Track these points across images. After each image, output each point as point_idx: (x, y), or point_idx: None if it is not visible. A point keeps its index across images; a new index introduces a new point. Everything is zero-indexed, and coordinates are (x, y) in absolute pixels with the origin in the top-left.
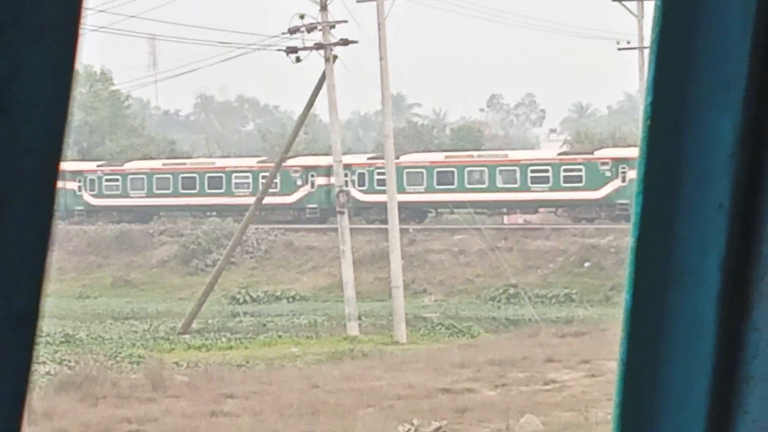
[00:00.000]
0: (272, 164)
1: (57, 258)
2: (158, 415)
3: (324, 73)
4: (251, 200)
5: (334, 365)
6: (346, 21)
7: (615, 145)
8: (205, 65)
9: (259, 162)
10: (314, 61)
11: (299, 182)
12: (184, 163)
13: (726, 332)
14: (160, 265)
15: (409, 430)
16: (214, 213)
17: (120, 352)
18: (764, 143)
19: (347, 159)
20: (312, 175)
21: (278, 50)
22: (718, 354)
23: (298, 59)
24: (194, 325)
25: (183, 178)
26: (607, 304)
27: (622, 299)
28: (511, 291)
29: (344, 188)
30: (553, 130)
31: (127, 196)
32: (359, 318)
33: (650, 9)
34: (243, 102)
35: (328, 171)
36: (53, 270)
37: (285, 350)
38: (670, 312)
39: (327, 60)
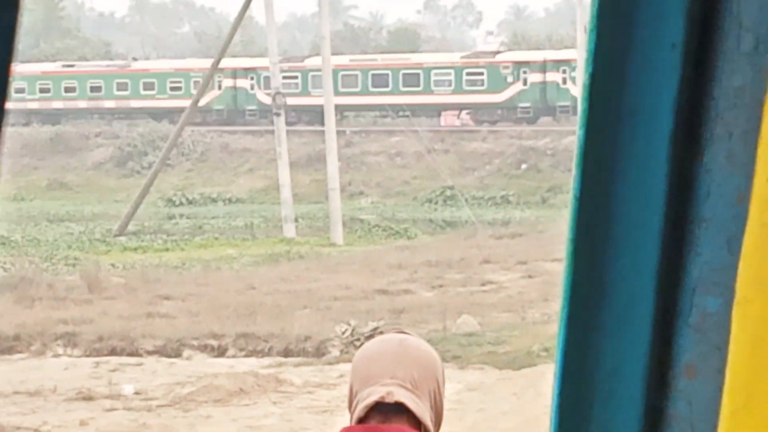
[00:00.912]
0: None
1: None
2: (94, 316)
3: None
4: (186, 103)
5: (271, 267)
6: None
7: (552, 48)
8: None
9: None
10: None
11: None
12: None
13: (678, 173)
14: (96, 167)
15: (346, 330)
16: (147, 116)
17: (56, 254)
18: None
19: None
20: (251, 77)
21: None
22: (670, 194)
23: None
24: (130, 227)
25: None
26: (544, 206)
27: (558, 201)
28: (448, 193)
29: (280, 90)
30: (490, 32)
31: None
32: (296, 220)
33: None
34: (178, 3)
35: (234, 73)
36: None
37: (221, 252)
38: (623, 151)
39: None
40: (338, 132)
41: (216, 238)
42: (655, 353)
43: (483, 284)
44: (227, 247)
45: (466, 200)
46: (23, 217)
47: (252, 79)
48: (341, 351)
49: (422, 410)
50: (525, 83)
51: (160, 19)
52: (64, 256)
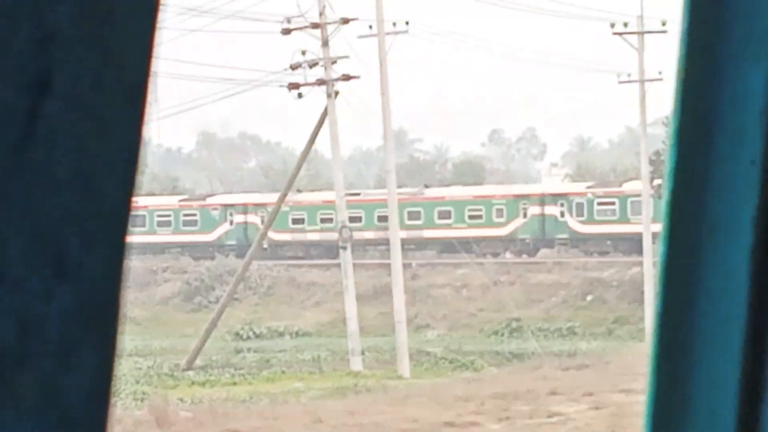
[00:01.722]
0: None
1: None
2: None
3: (326, 109)
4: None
5: (338, 400)
6: (347, 56)
7: (616, 179)
8: (207, 102)
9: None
10: (316, 97)
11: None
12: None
13: (759, 288)
14: (164, 301)
15: None
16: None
17: (124, 389)
18: None
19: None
20: (230, 213)
21: (280, 86)
22: (752, 309)
23: (300, 95)
24: (198, 362)
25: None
26: (610, 338)
27: (624, 333)
28: (514, 325)
29: (347, 224)
30: (554, 164)
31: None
32: (362, 353)
33: (650, 42)
34: (245, 139)
35: (245, 209)
36: None
37: (289, 385)
38: (704, 266)
39: (329, 96)
40: (404, 265)
41: (283, 372)
42: None
43: (550, 416)
44: (294, 381)
45: (532, 332)
46: (111, 418)
47: (262, 215)
48: None
49: None
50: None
51: (226, 155)
52: (132, 390)
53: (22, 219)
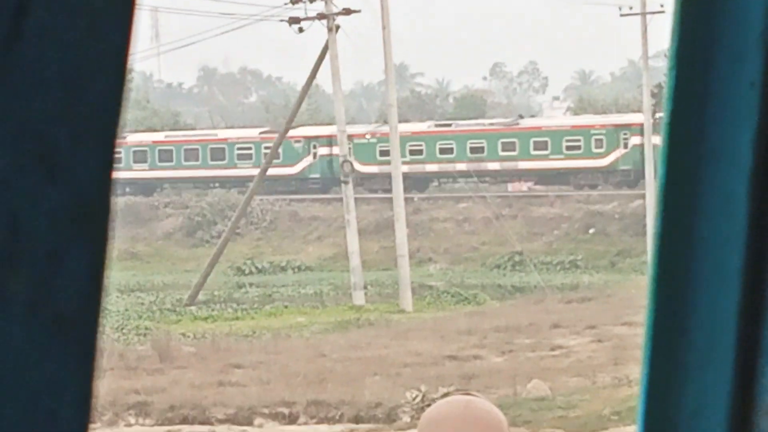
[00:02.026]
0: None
1: None
2: (166, 385)
3: (327, 43)
4: (254, 172)
5: (341, 334)
6: None
7: (618, 112)
8: (208, 37)
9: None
10: (317, 32)
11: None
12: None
13: (758, 211)
14: (166, 237)
15: (417, 396)
16: (217, 185)
17: (126, 324)
18: None
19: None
20: (314, 146)
21: (281, 21)
22: (751, 233)
23: (300, 29)
24: (200, 297)
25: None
26: (612, 270)
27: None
28: (516, 258)
29: (348, 158)
30: (556, 98)
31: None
32: (365, 287)
33: None
34: (246, 74)
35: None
36: None
37: (291, 320)
38: (703, 189)
39: (330, 30)
40: (406, 199)
41: (286, 307)
42: (737, 394)
43: (552, 349)
44: (297, 315)
45: (534, 265)
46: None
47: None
48: (412, 417)
49: None
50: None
51: (227, 90)
52: (135, 326)
53: (9, 118)
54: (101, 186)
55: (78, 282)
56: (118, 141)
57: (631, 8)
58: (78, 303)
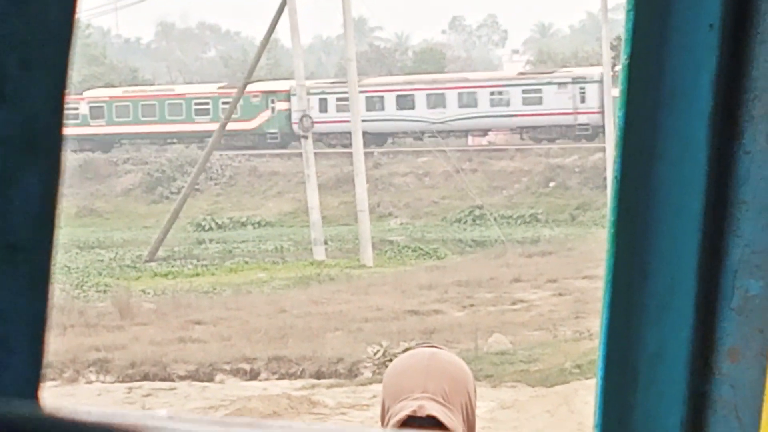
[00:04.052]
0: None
1: None
2: (126, 342)
3: None
4: (213, 127)
5: (302, 290)
6: None
7: (578, 65)
8: None
9: (219, 88)
10: None
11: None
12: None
13: (717, 154)
14: (125, 193)
15: (378, 351)
16: (175, 140)
17: (86, 281)
18: None
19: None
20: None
21: None
22: (711, 176)
23: None
24: (160, 253)
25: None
26: (573, 224)
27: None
28: (477, 212)
29: (308, 113)
30: (515, 51)
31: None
32: (325, 242)
33: None
34: (204, 28)
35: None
36: None
37: (252, 276)
38: (662, 132)
39: None
40: (366, 153)
41: (246, 262)
42: (697, 337)
43: (514, 303)
44: (257, 271)
45: (494, 219)
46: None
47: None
48: (373, 372)
49: (454, 424)
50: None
51: (186, 45)
52: (94, 282)
53: None
54: (52, 112)
55: (31, 207)
56: (69, 67)
57: None
58: (32, 228)
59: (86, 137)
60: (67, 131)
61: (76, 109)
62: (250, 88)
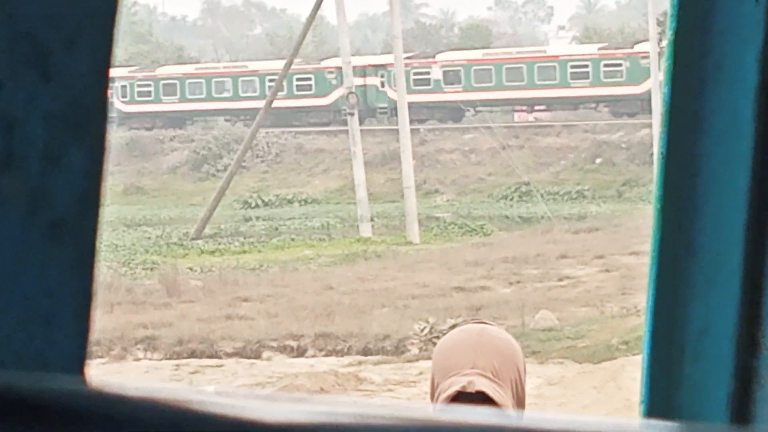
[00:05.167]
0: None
1: None
2: (173, 320)
3: None
4: (286, 103)
5: (348, 267)
6: None
7: (624, 41)
8: None
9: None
10: None
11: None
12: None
13: (764, 129)
14: (171, 171)
15: (425, 328)
16: (222, 118)
17: (133, 259)
18: None
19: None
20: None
21: None
22: (757, 152)
23: None
24: (207, 230)
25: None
26: (620, 200)
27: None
28: (523, 189)
29: (353, 90)
30: (561, 27)
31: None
32: (372, 219)
33: None
34: (250, 6)
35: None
36: None
37: (298, 253)
38: (708, 108)
39: None
40: (412, 130)
41: (292, 239)
42: (744, 312)
43: (560, 279)
44: (304, 248)
45: (541, 195)
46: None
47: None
48: (420, 349)
49: (504, 399)
50: None
51: (231, 22)
52: (142, 260)
53: (2, 22)
54: (97, 88)
55: (76, 184)
56: (113, 45)
57: None
58: (77, 206)
59: (132, 115)
60: (143, 108)
61: (149, 86)
62: (325, 63)
